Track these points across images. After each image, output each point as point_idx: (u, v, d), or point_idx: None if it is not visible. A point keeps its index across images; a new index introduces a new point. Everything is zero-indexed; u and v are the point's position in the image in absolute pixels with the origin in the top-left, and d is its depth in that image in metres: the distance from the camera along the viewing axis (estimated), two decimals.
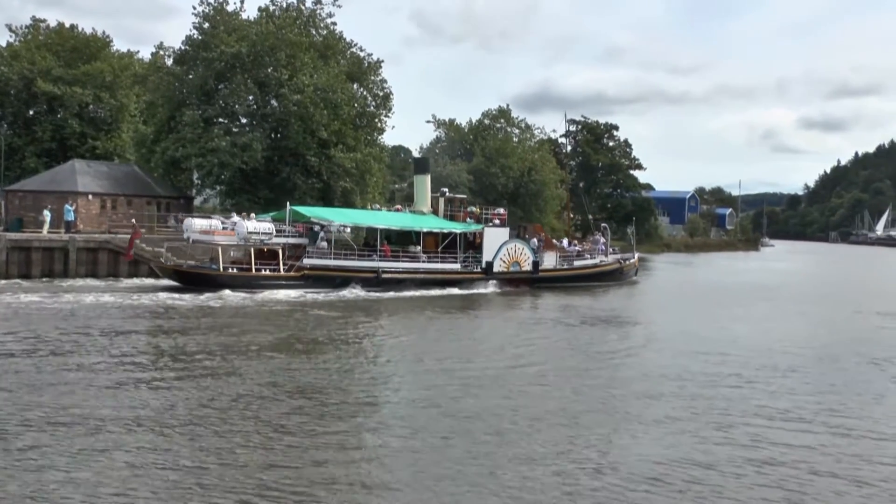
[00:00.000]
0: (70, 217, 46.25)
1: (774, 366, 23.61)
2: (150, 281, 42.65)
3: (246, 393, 18.19)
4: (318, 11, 61.40)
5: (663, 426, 16.63)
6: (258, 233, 41.31)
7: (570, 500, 12.36)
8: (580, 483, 13.10)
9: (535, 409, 17.71)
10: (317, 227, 43.91)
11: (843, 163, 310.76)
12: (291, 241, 42.85)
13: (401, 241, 47.41)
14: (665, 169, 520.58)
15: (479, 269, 47.38)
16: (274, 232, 42.12)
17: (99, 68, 64.04)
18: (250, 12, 63.90)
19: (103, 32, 69.61)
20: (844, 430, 16.72)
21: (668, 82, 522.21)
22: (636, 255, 61.01)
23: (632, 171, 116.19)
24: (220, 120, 57.69)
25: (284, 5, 60.53)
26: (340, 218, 45.66)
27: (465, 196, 55.76)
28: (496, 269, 47.60)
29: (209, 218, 44.96)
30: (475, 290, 45.30)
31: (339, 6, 62.20)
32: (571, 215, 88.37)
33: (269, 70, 56.44)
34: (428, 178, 53.25)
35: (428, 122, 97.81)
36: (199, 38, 56.90)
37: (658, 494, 12.66)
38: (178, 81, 57.35)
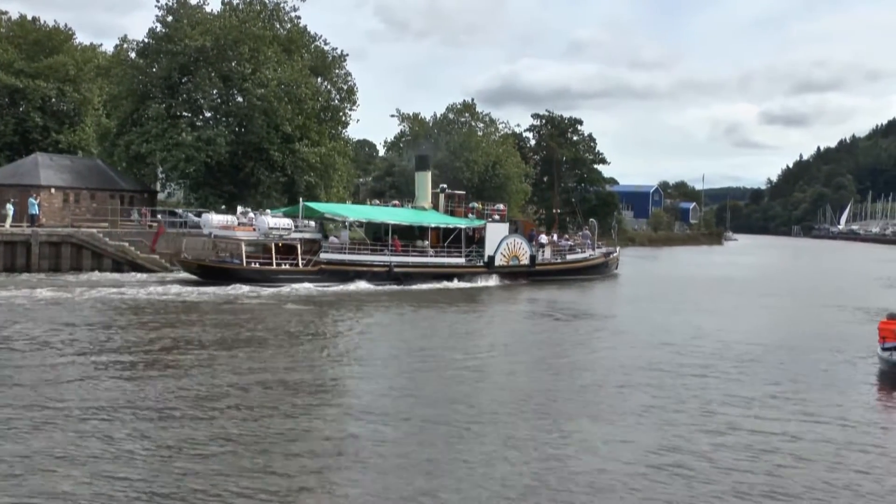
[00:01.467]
0: (34, 210, 46.03)
1: (752, 358, 24.23)
2: (136, 275, 42.96)
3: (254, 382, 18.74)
4: (281, 5, 61.48)
5: (644, 415, 17.12)
6: (279, 228, 42.42)
7: (537, 489, 12.82)
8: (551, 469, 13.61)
9: (519, 399, 18.31)
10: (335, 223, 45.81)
11: (805, 157, 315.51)
12: (307, 235, 43.94)
13: (404, 235, 48.03)
14: (629, 163, 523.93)
15: (481, 264, 48.87)
16: (293, 227, 43.17)
17: (62, 61, 63.66)
18: (213, 5, 63.87)
19: (65, 25, 69.26)
20: (807, 414, 17.38)
21: (632, 77, 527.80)
22: (618, 250, 62.97)
23: (596, 166, 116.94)
24: (185, 114, 57.67)
25: None
26: (354, 214, 47.17)
27: (463, 192, 57.71)
28: (497, 262, 49.20)
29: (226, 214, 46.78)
30: (479, 284, 46.88)
31: (304, 0, 62.18)
32: (536, 209, 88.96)
33: (233, 64, 56.47)
34: (429, 174, 54.34)
35: (392, 116, 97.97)
36: (163, 31, 56.76)
37: (634, 477, 13.19)
38: (141, 75, 57.19)
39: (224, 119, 57.75)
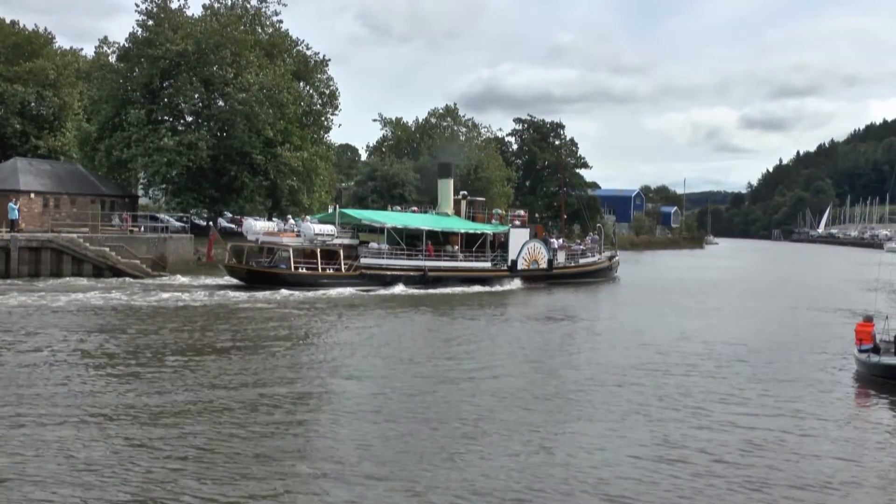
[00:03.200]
0: (14, 215, 45.72)
1: (738, 359, 24.60)
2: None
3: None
4: (263, 9, 61.49)
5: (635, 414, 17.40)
6: (323, 234, 44.18)
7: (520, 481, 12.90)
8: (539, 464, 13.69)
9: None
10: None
11: (784, 162, 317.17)
12: (346, 241, 45.61)
13: (430, 241, 49.31)
14: (610, 167, 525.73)
15: (505, 267, 50.74)
16: (336, 233, 44.93)
17: (41, 66, 63.35)
18: (195, 9, 63.74)
19: (45, 29, 68.94)
20: (787, 415, 17.60)
21: (613, 82, 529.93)
22: (617, 254, 64.70)
23: (577, 170, 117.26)
24: (166, 118, 57.47)
25: (230, 3, 60.47)
26: (390, 220, 48.67)
27: (483, 199, 60.55)
28: (519, 266, 51.23)
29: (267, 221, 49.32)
30: (504, 287, 48.43)
31: (285, 5, 62.28)
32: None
33: (215, 68, 56.33)
34: (451, 181, 56.09)
35: (375, 120, 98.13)
36: (144, 35, 56.56)
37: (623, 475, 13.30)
38: (122, 79, 56.97)
39: (206, 123, 57.59)
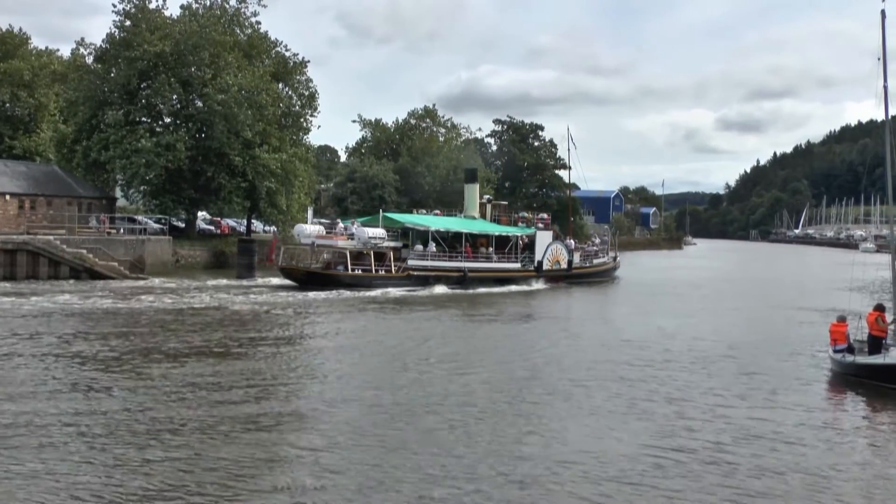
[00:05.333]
0: None
1: (718, 357, 25.02)
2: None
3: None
4: (242, 10, 61.25)
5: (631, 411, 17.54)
6: (376, 237, 46.71)
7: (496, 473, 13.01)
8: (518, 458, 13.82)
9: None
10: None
11: (762, 163, 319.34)
12: (392, 244, 48.21)
13: (457, 242, 51.59)
14: (589, 169, 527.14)
15: (532, 268, 53.58)
16: (386, 236, 47.52)
17: (16, 66, 62.85)
18: (173, 10, 63.39)
19: (20, 29, 68.47)
20: (762, 415, 17.80)
21: (591, 83, 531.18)
22: (618, 255, 67.23)
23: (557, 171, 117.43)
24: (143, 120, 57.17)
25: (208, 3, 60.20)
26: (433, 224, 51.54)
27: (505, 203, 64.51)
28: (544, 267, 54.30)
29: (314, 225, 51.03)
30: (532, 287, 50.97)
31: (264, 6, 62.02)
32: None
33: (193, 69, 56.13)
34: (476, 186, 59.30)
35: (354, 121, 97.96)
36: (121, 36, 56.26)
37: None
38: (99, 80, 56.64)
39: (184, 125, 57.35)
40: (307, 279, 44.75)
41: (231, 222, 72.19)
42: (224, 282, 45.41)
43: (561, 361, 24.24)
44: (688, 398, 19.27)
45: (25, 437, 14.43)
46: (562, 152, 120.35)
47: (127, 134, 54.14)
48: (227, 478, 12.78)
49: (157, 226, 57.94)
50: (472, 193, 58.28)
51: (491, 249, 52.61)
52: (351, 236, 46.75)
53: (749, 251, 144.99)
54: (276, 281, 46.53)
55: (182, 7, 59.23)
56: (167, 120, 58.61)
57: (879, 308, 22.18)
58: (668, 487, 12.91)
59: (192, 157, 55.92)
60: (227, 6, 60.80)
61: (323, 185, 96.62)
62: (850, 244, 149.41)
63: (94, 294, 37.37)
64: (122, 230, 52.93)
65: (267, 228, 70.62)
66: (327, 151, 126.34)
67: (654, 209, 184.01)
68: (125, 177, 56.44)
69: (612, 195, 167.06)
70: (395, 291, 44.08)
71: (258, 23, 62.18)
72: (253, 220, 67.03)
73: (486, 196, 60.18)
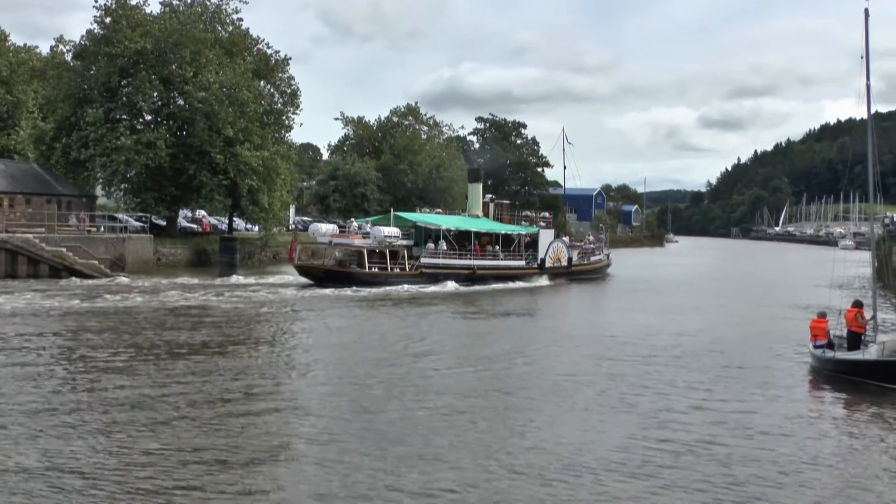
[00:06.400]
0: None
1: (700, 353, 25.20)
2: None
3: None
4: (223, 7, 60.90)
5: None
6: (391, 236, 48.03)
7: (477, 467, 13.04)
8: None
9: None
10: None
11: (743, 161, 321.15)
12: (405, 242, 49.18)
13: (462, 240, 52.73)
14: (571, 166, 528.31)
15: (535, 265, 55.24)
16: (401, 235, 48.68)
17: None
18: (153, 7, 63.07)
19: None
20: (744, 410, 17.84)
21: (574, 81, 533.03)
22: (610, 252, 68.42)
23: (539, 169, 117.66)
24: (124, 117, 56.79)
25: (189, 0, 59.76)
26: (444, 223, 52.90)
27: (508, 202, 66.89)
28: (547, 264, 55.90)
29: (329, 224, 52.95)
30: (535, 283, 52.43)
31: (246, 2, 62.03)
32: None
33: (174, 67, 55.75)
34: (480, 185, 60.15)
35: (336, 119, 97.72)
36: (101, 33, 55.85)
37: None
38: (79, 77, 56.22)
39: (165, 122, 57.03)
40: (325, 277, 45.72)
41: (213, 220, 71.90)
42: (216, 280, 44.87)
43: (565, 358, 24.39)
44: (672, 393, 19.42)
45: None
46: (545, 150, 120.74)
47: (107, 132, 53.76)
48: (205, 473, 12.72)
49: (137, 224, 57.57)
50: (476, 192, 59.52)
51: (497, 247, 53.98)
52: (365, 235, 48.14)
53: (730, 249, 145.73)
54: (253, 280, 46.09)
55: (163, 4, 58.83)
56: (148, 117, 58.25)
57: (858, 305, 22.34)
58: (654, 476, 13.03)
59: (174, 155, 55.59)
60: (209, 3, 60.42)
61: (305, 183, 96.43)
62: (829, 241, 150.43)
63: (61, 293, 36.41)
64: (102, 228, 52.55)
65: (249, 227, 70.36)
66: (309, 149, 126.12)
67: (636, 207, 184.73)
68: (105, 175, 56.06)
69: (595, 193, 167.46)
70: (409, 288, 45.11)
71: (240, 20, 61.92)
72: (235, 219, 66.74)
73: (490, 195, 61.63)
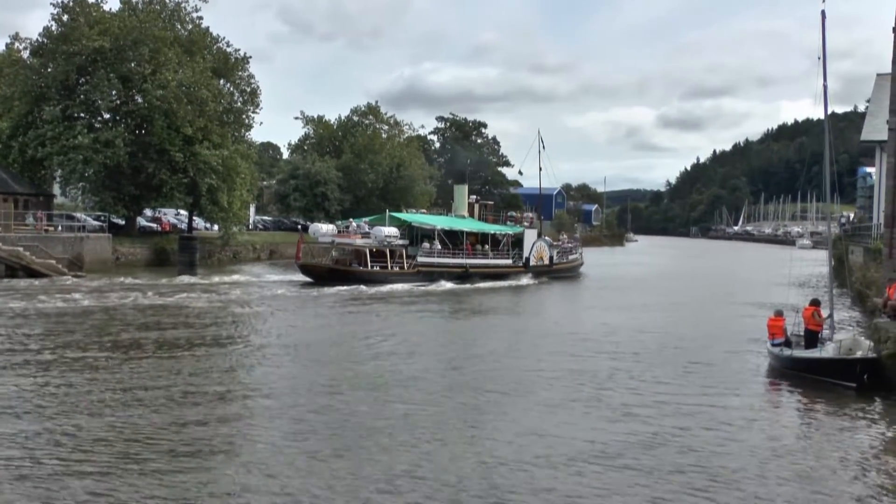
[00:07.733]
0: None
1: (658, 350, 25.54)
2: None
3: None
4: (182, 5, 60.56)
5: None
6: (391, 236, 49.44)
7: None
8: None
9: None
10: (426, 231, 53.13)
11: (702, 160, 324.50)
12: (402, 242, 50.44)
13: (450, 239, 54.01)
14: (531, 166, 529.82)
15: (521, 264, 57.14)
16: (399, 235, 50.13)
17: None
18: (112, 5, 62.43)
19: None
20: (701, 408, 18.21)
21: (534, 81, 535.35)
22: (583, 251, 70.38)
23: (500, 168, 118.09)
24: (82, 115, 56.15)
25: None
26: (439, 223, 54.80)
27: (492, 202, 70.17)
28: (531, 263, 57.85)
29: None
30: (521, 282, 53.75)
31: (206, 1, 61.40)
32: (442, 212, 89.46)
33: (133, 65, 55.39)
34: (466, 186, 63.07)
35: (297, 118, 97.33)
36: (59, 30, 55.20)
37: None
38: (36, 75, 55.54)
39: (123, 121, 56.56)
40: (328, 275, 46.72)
41: (173, 220, 71.27)
42: (175, 280, 44.47)
43: (546, 355, 24.65)
44: (635, 388, 19.72)
45: None
46: (504, 149, 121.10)
47: (64, 130, 53.26)
48: (168, 472, 12.75)
49: (96, 223, 56.91)
50: (462, 193, 62.20)
51: (487, 247, 56.04)
52: (365, 235, 49.65)
53: (689, 248, 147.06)
54: (216, 279, 45.90)
55: (122, 1, 58.33)
56: (106, 116, 57.79)
57: (815, 303, 22.63)
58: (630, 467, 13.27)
59: (132, 154, 55.15)
60: (168, 1, 60.03)
61: (265, 182, 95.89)
62: (787, 241, 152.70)
63: (16, 293, 35.97)
64: (59, 228, 51.95)
65: (208, 226, 69.80)
66: (270, 148, 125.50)
67: (595, 206, 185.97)
68: (63, 173, 55.39)
69: (555, 192, 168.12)
70: (408, 286, 46.17)
71: (199, 18, 61.64)
72: (195, 218, 66.25)
73: (475, 196, 63.53)
